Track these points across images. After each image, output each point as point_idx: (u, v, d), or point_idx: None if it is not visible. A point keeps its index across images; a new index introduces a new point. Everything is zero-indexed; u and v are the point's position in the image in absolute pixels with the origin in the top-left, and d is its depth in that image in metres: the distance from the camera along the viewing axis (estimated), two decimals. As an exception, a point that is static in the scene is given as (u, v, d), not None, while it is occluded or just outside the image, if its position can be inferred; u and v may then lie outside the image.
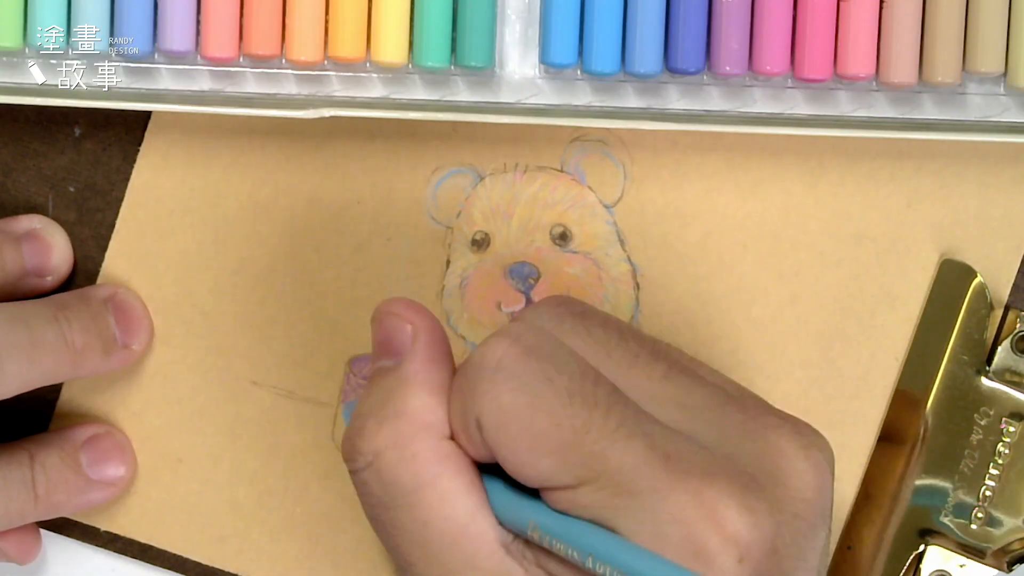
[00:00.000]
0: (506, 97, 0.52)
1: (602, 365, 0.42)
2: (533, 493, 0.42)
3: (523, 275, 0.54)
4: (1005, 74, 0.52)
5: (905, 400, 0.54)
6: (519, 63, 0.52)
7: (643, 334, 0.44)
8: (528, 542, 0.42)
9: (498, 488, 0.42)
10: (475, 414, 0.41)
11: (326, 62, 0.52)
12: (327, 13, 0.51)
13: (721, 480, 0.39)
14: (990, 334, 0.54)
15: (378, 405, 0.43)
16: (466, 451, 0.42)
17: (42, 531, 0.54)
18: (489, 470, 0.43)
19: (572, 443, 0.40)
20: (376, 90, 0.52)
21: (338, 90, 0.52)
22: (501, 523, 0.42)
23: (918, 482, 0.54)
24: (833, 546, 0.55)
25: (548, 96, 0.52)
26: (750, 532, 0.39)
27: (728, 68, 0.51)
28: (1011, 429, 0.54)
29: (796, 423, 0.42)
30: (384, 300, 0.45)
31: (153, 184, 0.54)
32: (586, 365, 0.42)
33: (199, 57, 0.52)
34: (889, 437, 0.55)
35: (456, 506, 0.42)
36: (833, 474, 0.42)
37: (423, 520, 0.42)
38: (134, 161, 0.54)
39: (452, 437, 0.43)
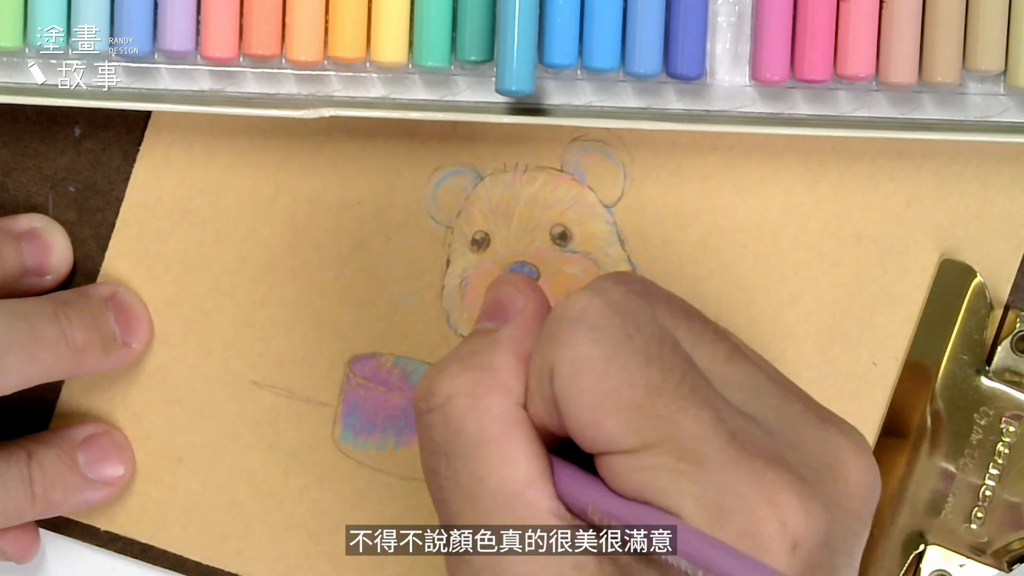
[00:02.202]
0: (507, 97, 0.52)
1: None
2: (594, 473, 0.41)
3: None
4: (1005, 72, 0.52)
5: (905, 400, 0.54)
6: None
7: (704, 315, 0.44)
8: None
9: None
10: (550, 363, 0.41)
11: (326, 62, 0.52)
12: (327, 13, 0.51)
13: (783, 466, 0.39)
14: (990, 334, 0.54)
15: (465, 354, 0.42)
16: (536, 420, 0.42)
17: (42, 531, 0.54)
18: (557, 455, 0.42)
19: (643, 404, 0.39)
20: (376, 90, 0.52)
21: (338, 90, 0.52)
22: (562, 501, 0.41)
23: (918, 481, 0.54)
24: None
25: (548, 96, 0.52)
26: (806, 523, 0.39)
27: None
28: (1011, 429, 0.54)
29: (848, 424, 0.42)
30: (507, 273, 0.44)
31: (153, 184, 0.54)
32: (665, 330, 0.41)
33: (199, 57, 0.52)
34: (889, 437, 0.55)
35: (517, 468, 0.41)
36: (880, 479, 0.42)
37: (481, 475, 0.41)
38: (134, 161, 0.54)
39: (526, 407, 0.42)
